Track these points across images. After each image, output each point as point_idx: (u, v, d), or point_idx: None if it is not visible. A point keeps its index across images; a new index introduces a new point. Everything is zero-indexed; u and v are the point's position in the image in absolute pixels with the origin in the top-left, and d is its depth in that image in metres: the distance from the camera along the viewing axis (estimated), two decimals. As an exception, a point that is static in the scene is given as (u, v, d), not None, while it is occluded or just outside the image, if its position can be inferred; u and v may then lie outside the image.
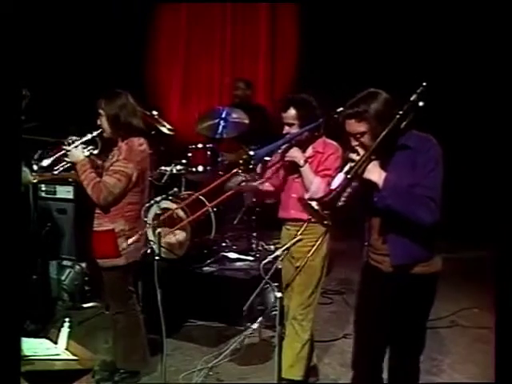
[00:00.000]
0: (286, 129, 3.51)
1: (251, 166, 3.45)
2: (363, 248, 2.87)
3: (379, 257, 2.77)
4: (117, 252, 3.62)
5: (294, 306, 3.58)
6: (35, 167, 3.82)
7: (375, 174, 2.54)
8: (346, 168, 2.58)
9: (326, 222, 2.59)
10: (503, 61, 2.78)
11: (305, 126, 3.45)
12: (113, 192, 3.56)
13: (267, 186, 3.73)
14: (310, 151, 3.54)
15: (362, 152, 2.60)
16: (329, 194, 2.51)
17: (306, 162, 3.46)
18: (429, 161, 2.57)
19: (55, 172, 3.78)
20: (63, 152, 3.68)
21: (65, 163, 3.72)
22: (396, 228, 2.63)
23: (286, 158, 3.54)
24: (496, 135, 2.92)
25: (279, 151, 3.56)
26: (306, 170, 3.45)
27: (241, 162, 3.46)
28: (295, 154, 3.48)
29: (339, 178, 2.54)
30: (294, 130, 3.48)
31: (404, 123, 2.59)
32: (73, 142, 3.67)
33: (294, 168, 3.53)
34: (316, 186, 3.33)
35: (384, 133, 2.53)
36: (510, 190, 2.57)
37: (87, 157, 3.67)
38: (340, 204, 2.51)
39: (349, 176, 2.52)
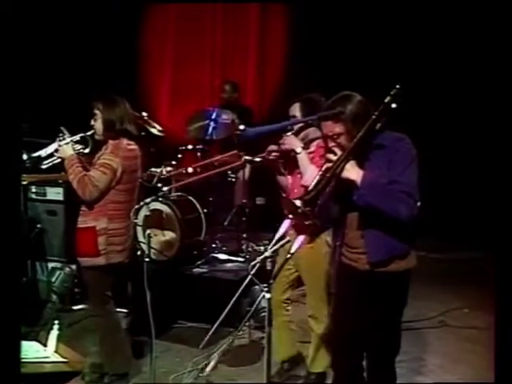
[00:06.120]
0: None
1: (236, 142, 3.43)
2: (335, 248, 2.87)
3: (354, 255, 2.78)
4: (96, 250, 3.59)
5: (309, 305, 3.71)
6: (25, 156, 3.91)
7: (353, 172, 2.59)
8: (324, 168, 2.62)
9: (307, 223, 2.60)
10: (484, 61, 2.80)
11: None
12: (98, 186, 3.55)
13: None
14: (313, 146, 3.53)
15: (339, 152, 2.64)
16: (310, 193, 2.55)
17: (303, 149, 3.44)
18: (404, 158, 2.63)
19: (44, 166, 3.89)
20: (54, 148, 3.76)
21: (55, 158, 3.82)
22: (374, 224, 2.66)
23: (284, 146, 3.52)
24: (493, 136, 2.93)
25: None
26: (303, 158, 3.44)
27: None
28: (292, 141, 3.47)
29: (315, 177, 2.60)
30: None
31: (379, 124, 2.64)
32: (64, 139, 3.70)
33: (296, 163, 3.51)
34: (310, 173, 3.29)
35: (360, 134, 2.60)
36: (502, 191, 2.60)
37: (76, 154, 3.69)
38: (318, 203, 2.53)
39: (328, 175, 2.55)
